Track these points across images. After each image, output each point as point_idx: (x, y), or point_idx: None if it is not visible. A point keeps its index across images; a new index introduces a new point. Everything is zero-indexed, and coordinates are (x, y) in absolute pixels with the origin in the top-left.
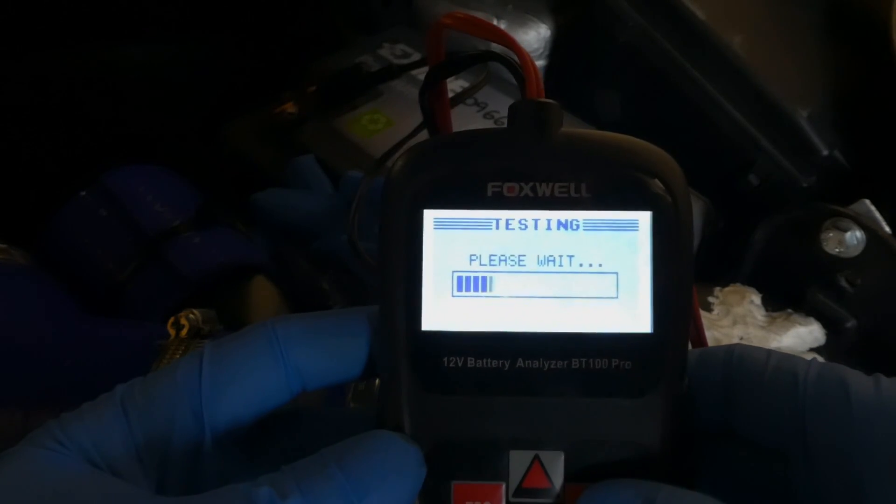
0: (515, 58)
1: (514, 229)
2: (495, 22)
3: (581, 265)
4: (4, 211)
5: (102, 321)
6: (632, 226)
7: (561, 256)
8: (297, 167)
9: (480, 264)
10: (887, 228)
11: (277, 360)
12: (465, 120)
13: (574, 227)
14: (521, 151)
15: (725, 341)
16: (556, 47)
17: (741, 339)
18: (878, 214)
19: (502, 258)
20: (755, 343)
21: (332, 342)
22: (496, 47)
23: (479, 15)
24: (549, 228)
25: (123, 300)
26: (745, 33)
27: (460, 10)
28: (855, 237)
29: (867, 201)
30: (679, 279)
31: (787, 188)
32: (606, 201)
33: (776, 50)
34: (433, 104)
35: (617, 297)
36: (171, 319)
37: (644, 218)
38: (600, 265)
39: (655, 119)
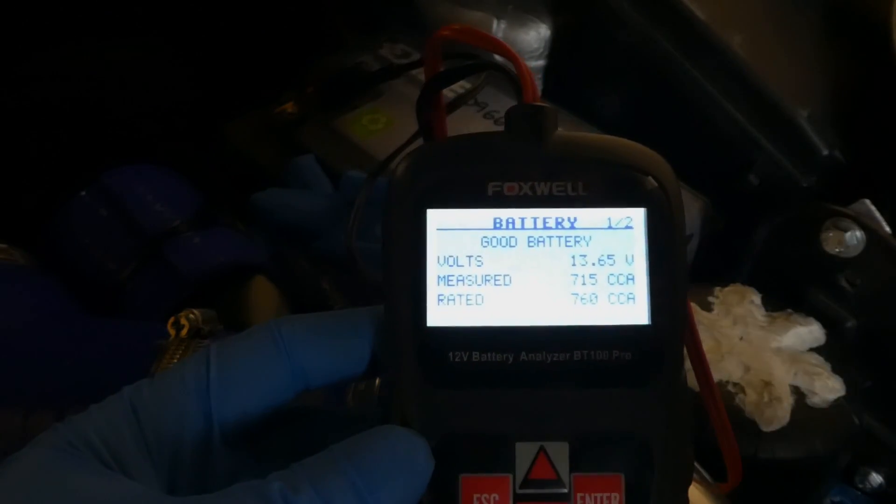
0: (511, 66)
1: (514, 227)
2: (495, 22)
3: (579, 260)
4: (4, 211)
5: (102, 321)
6: (628, 221)
7: (560, 251)
8: (297, 167)
9: (482, 260)
10: (887, 228)
11: (283, 359)
12: (465, 120)
13: (572, 223)
14: (518, 153)
15: (725, 342)
16: (556, 47)
17: (741, 339)
18: (878, 214)
19: (503, 254)
20: (755, 343)
21: (336, 341)
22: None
23: (479, 15)
24: (547, 226)
25: (123, 300)
26: (745, 33)
27: (460, 10)
28: (855, 237)
29: (867, 201)
30: (674, 272)
31: (787, 188)
32: (602, 199)
33: (776, 50)
34: (429, 114)
35: (615, 291)
36: (171, 319)
37: (639, 214)
38: (598, 260)
39: (655, 119)
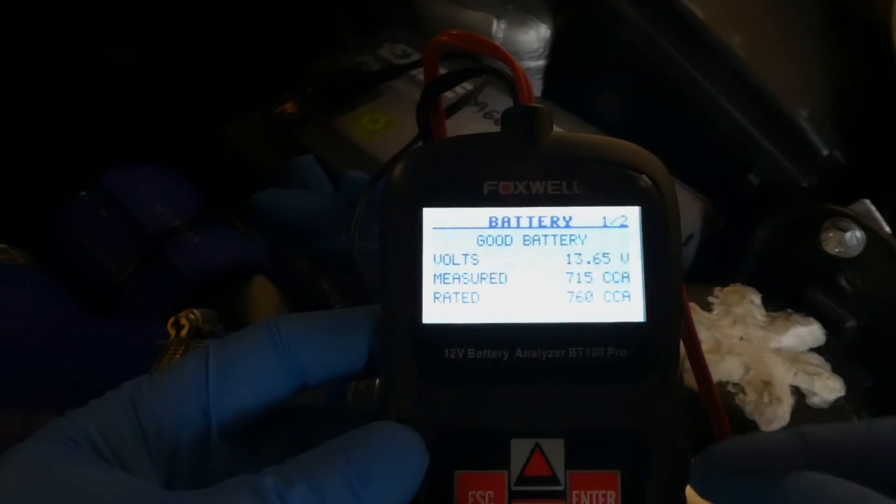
0: (507, 69)
1: (510, 225)
2: (495, 22)
3: (575, 258)
4: (4, 211)
5: (102, 321)
6: (622, 220)
7: (555, 250)
8: (297, 167)
9: (478, 259)
10: (887, 228)
11: (280, 356)
12: (465, 120)
13: (567, 222)
14: (514, 152)
15: (725, 341)
16: (556, 47)
17: (741, 339)
18: (878, 214)
19: (499, 253)
20: (755, 343)
21: (333, 339)
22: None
23: (479, 15)
24: (543, 224)
25: (123, 300)
26: (745, 33)
27: (460, 10)
28: (855, 237)
29: (867, 201)
30: (668, 270)
31: (787, 188)
32: (597, 197)
33: (776, 50)
34: (429, 117)
35: (611, 289)
36: (171, 319)
37: (633, 212)
38: (594, 258)
39: (655, 119)
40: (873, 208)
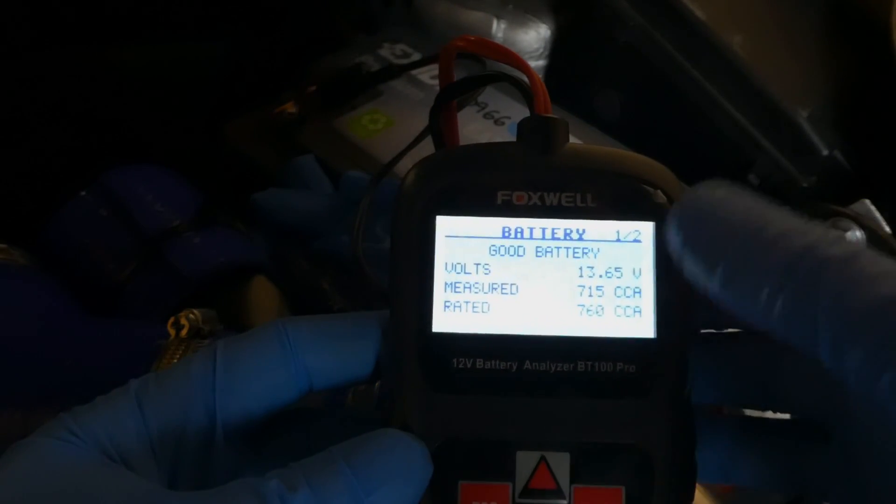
0: (524, 76)
1: (522, 236)
2: (495, 22)
3: (587, 271)
4: (4, 211)
5: (102, 321)
6: (636, 235)
7: (567, 263)
8: (297, 167)
9: (490, 269)
10: (887, 228)
11: (287, 359)
12: (465, 120)
13: (580, 234)
14: (529, 163)
15: None
16: (556, 47)
17: None
18: (878, 214)
19: (511, 263)
20: None
21: (342, 344)
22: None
23: (479, 15)
24: (556, 236)
25: (123, 300)
26: (745, 33)
27: (460, 10)
28: (855, 237)
29: (867, 201)
30: (681, 286)
31: (787, 188)
32: (611, 211)
33: (776, 50)
34: (442, 122)
35: (622, 304)
36: (171, 319)
37: (647, 227)
38: (606, 272)
39: (655, 119)
40: (873, 208)
